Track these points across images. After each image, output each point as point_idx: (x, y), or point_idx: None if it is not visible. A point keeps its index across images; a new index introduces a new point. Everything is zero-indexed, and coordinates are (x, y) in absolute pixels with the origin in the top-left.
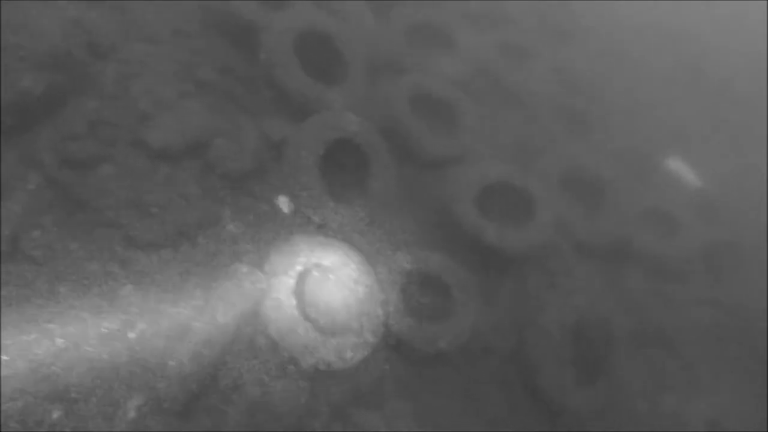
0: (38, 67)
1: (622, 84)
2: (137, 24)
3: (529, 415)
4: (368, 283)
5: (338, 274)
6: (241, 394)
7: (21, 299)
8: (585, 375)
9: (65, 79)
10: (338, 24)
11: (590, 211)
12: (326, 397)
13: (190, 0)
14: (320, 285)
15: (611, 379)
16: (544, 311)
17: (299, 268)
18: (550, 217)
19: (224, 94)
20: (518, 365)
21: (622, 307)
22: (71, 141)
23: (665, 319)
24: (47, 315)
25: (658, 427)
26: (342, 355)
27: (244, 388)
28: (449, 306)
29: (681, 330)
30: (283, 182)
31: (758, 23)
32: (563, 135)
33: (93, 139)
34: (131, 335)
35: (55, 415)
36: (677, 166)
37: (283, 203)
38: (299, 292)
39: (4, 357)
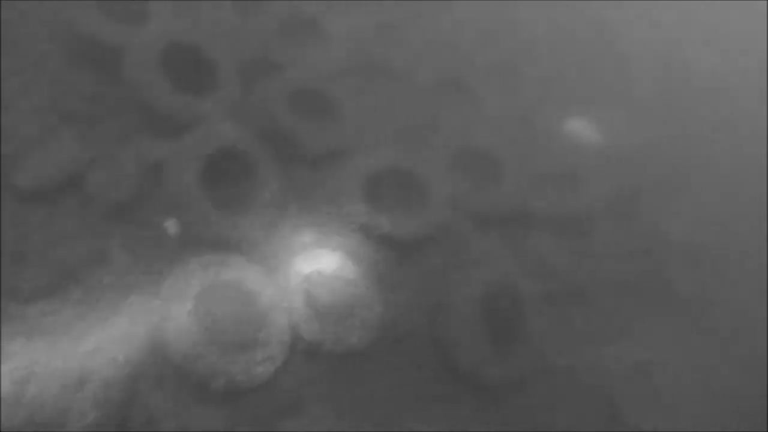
0: None
1: (505, 50)
2: None
3: (453, 393)
4: (269, 293)
5: (236, 289)
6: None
7: None
8: (502, 344)
9: None
10: (203, 32)
11: (486, 182)
12: (245, 416)
13: (43, 28)
14: (219, 303)
15: (529, 342)
16: (452, 289)
17: (195, 290)
18: (443, 197)
19: (94, 121)
20: (434, 347)
21: (529, 271)
22: None
23: (575, 275)
24: None
25: (582, 382)
26: (251, 371)
27: (158, 424)
28: (356, 301)
29: (593, 282)
30: (168, 204)
31: None
32: (449, 108)
33: None
34: (27, 392)
35: None
36: (574, 125)
37: (171, 226)
38: (198, 314)
39: None
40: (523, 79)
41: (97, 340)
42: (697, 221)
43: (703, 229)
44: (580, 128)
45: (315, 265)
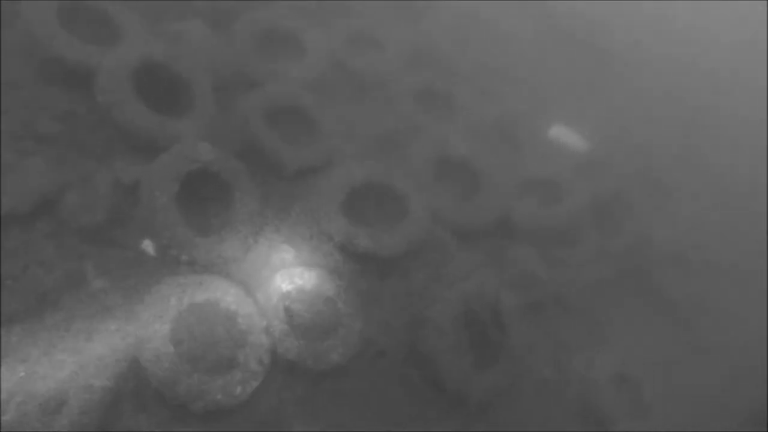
0: None
1: (482, 55)
2: None
3: (435, 408)
4: (248, 313)
5: (214, 310)
6: None
7: None
8: (485, 358)
9: None
10: (175, 50)
11: (467, 194)
12: None
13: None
14: (197, 324)
15: (512, 355)
16: (433, 304)
17: (173, 312)
18: (423, 211)
19: (68, 144)
20: (416, 362)
21: (511, 283)
22: None
23: (559, 284)
24: None
25: (568, 392)
26: (231, 392)
27: None
28: (336, 318)
29: (576, 291)
30: (144, 225)
31: None
32: (427, 119)
33: None
34: (3, 416)
35: None
36: (560, 133)
37: (148, 246)
38: (176, 336)
39: None
40: (503, 86)
41: (74, 365)
42: (682, 226)
43: (689, 234)
44: (562, 135)
45: (294, 283)
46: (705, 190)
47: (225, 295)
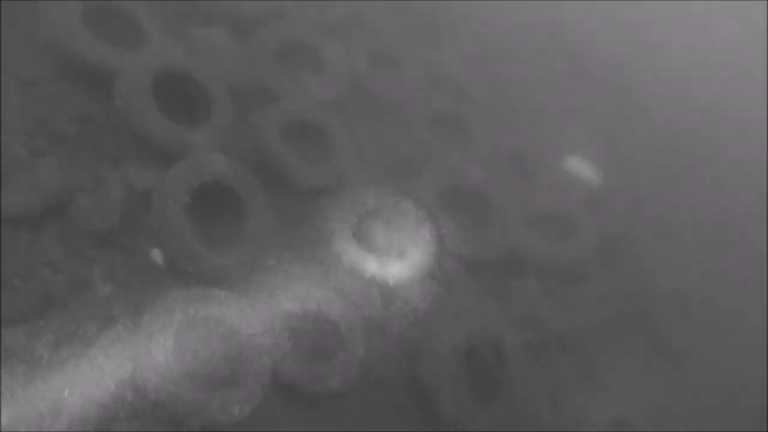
0: None
1: (499, 84)
2: None
3: None
4: (251, 331)
5: (218, 325)
6: None
7: None
8: (484, 395)
9: None
10: (197, 59)
11: (476, 225)
12: None
13: (33, 47)
14: (200, 339)
15: (511, 393)
16: (435, 337)
17: (176, 325)
18: (432, 240)
19: (83, 145)
20: (414, 394)
21: (515, 319)
22: None
23: (561, 324)
24: None
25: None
26: (228, 410)
27: None
28: (338, 342)
29: (578, 332)
30: (153, 234)
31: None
32: (442, 145)
33: None
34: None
35: None
36: (573, 165)
37: (157, 256)
38: (178, 350)
39: None
40: (520, 116)
41: (74, 371)
42: (688, 269)
43: (694, 277)
44: (573, 168)
45: (299, 304)
46: (710, 231)
47: (230, 311)
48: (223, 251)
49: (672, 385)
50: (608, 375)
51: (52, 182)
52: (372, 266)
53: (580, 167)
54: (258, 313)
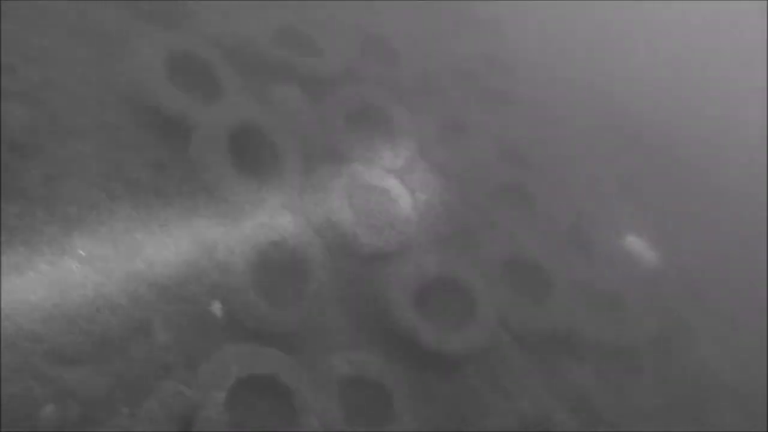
0: None
1: (559, 151)
2: (61, 117)
3: None
4: (303, 392)
5: (272, 385)
6: None
7: None
8: None
9: None
10: (272, 116)
11: (534, 300)
12: None
13: (115, 91)
14: (253, 398)
15: None
16: (487, 416)
17: (231, 381)
18: (492, 315)
19: (155, 193)
20: None
21: (566, 403)
22: None
23: (613, 410)
24: None
25: None
26: None
27: None
28: (385, 411)
29: (630, 418)
30: (216, 287)
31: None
32: (504, 215)
33: (15, 247)
34: None
35: None
36: (631, 243)
37: (216, 308)
38: (231, 407)
39: None
40: (578, 186)
41: (127, 419)
42: (746, 360)
43: (752, 369)
44: (633, 246)
45: (352, 368)
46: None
47: (284, 370)
48: (283, 311)
49: None
50: None
51: (123, 228)
52: (429, 336)
53: (637, 244)
54: (312, 374)
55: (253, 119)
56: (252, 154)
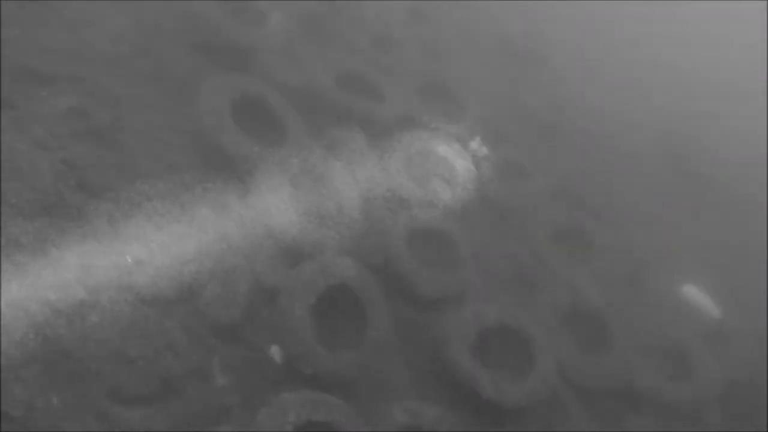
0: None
1: (625, 197)
2: (129, 159)
3: None
4: None
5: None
6: None
7: None
8: None
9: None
10: (333, 161)
11: (593, 350)
12: None
13: (182, 133)
14: None
15: None
16: None
17: (289, 428)
18: (551, 365)
19: (217, 235)
20: None
21: None
22: (58, 288)
23: None
24: None
25: None
26: None
27: None
28: None
29: None
30: (275, 331)
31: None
32: (563, 262)
33: (82, 287)
34: None
35: None
36: (692, 294)
37: (276, 353)
38: None
39: None
40: (638, 230)
41: None
42: None
43: None
44: (693, 296)
45: (409, 416)
46: None
47: (341, 417)
48: (342, 356)
49: None
50: None
51: (187, 268)
52: (488, 386)
53: (701, 296)
54: (371, 422)
55: (315, 162)
56: (313, 199)
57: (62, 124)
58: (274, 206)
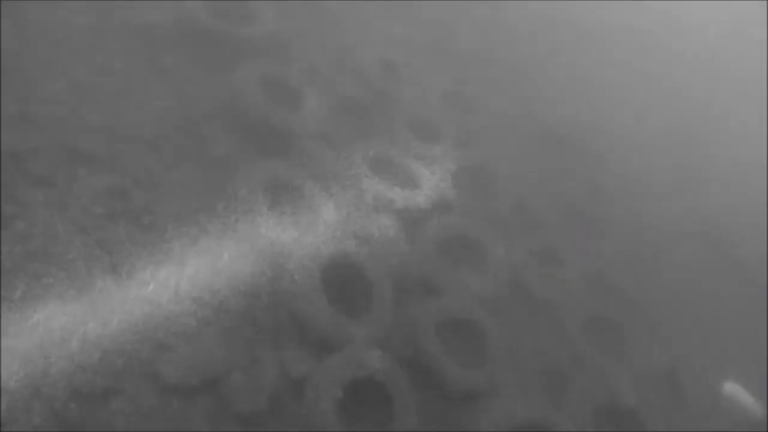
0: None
1: (664, 289)
2: (164, 243)
3: None
4: None
5: None
6: None
7: None
8: None
9: None
10: (368, 253)
11: None
12: None
13: (214, 216)
14: None
15: None
16: None
17: None
18: None
19: (245, 320)
20: None
21: None
22: (81, 371)
23: None
24: None
25: None
26: None
27: None
28: None
29: None
30: (300, 423)
31: None
32: (595, 355)
33: (105, 371)
34: None
35: None
36: (734, 392)
37: None
38: None
39: None
40: (676, 326)
41: None
42: None
43: None
44: (736, 394)
45: None
46: None
47: None
48: None
49: None
50: None
51: (212, 357)
52: None
53: (743, 394)
54: None
55: (348, 254)
56: (343, 285)
57: (99, 204)
58: (305, 295)
